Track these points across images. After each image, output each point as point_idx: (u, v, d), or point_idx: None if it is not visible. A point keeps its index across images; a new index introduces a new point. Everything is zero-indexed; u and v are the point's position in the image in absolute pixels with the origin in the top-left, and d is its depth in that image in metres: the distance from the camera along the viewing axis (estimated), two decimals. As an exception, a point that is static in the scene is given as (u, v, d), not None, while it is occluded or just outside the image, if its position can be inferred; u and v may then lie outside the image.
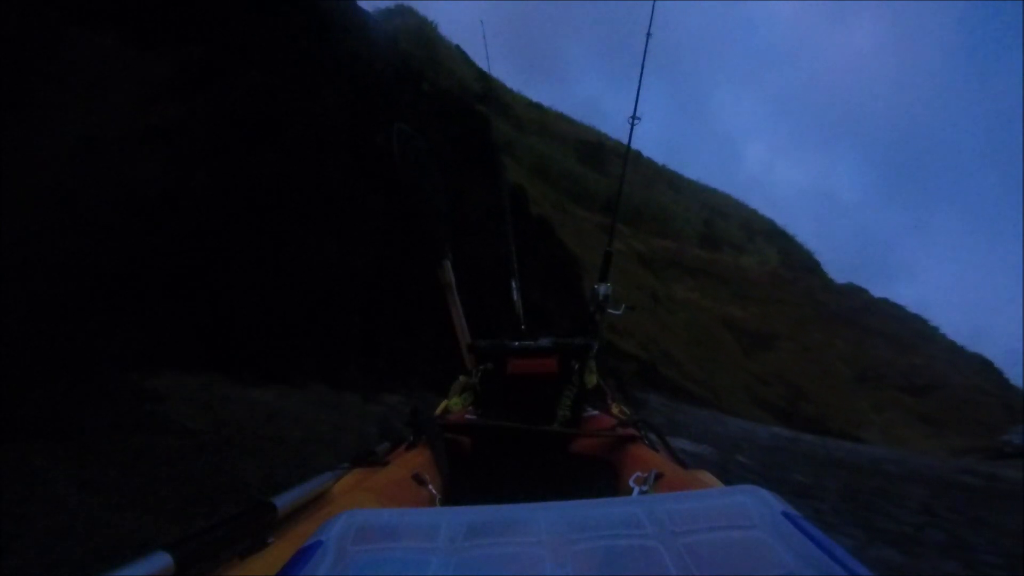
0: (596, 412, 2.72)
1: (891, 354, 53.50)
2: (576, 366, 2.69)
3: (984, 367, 55.99)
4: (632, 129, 3.33)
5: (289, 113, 9.02)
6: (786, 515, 0.79)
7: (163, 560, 0.82)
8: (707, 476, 1.57)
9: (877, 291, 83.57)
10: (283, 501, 1.17)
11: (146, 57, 6.95)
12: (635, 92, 3.31)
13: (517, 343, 2.79)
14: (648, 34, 3.45)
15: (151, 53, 7.01)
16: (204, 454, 4.92)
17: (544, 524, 0.84)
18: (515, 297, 3.65)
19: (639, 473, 1.55)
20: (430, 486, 1.56)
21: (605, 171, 60.69)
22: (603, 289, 2.99)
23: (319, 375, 8.55)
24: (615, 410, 2.87)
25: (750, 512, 0.81)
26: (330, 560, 0.75)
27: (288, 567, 0.75)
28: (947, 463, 19.77)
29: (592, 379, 2.74)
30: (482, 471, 2.15)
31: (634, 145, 3.44)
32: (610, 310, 3.02)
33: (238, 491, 4.33)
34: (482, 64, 59.60)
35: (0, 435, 4.11)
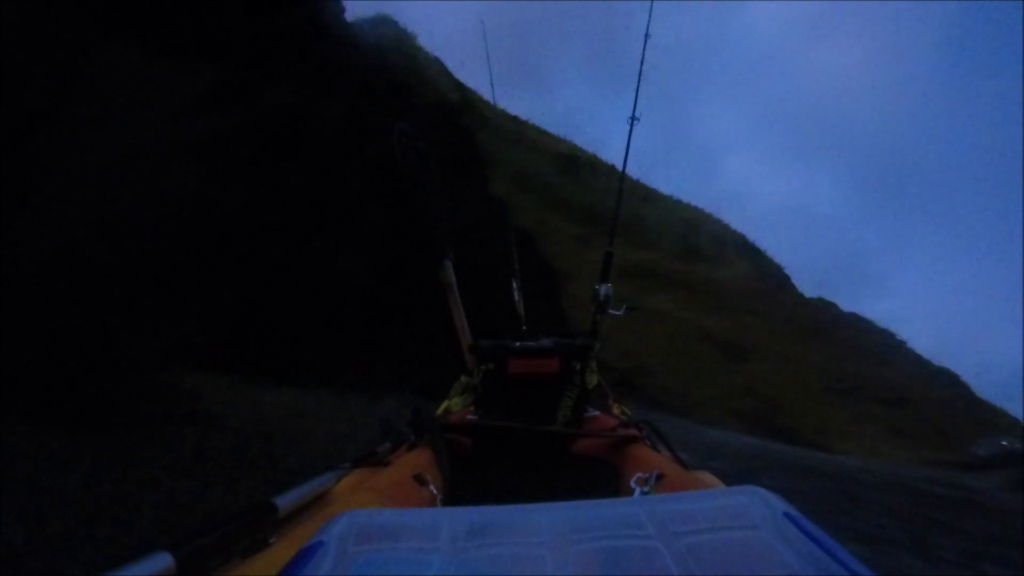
0: (597, 412, 2.78)
1: (862, 367, 53.69)
2: (577, 366, 2.72)
3: (952, 381, 56.39)
4: (631, 129, 3.42)
5: (304, 128, 9.30)
6: (788, 515, 0.80)
7: (164, 560, 0.83)
8: (708, 476, 1.63)
9: (846, 305, 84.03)
10: (284, 501, 1.19)
11: (176, 73, 7.20)
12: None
13: (518, 343, 2.81)
14: (647, 35, 3.54)
15: (180, 70, 7.27)
16: (253, 445, 5.30)
17: (545, 524, 0.85)
18: (516, 297, 3.73)
19: (640, 474, 1.61)
20: (431, 486, 1.60)
21: (582, 182, 60.82)
22: (604, 289, 3.09)
23: (324, 378, 8.84)
24: (616, 410, 2.97)
25: (752, 512, 0.82)
26: (331, 560, 0.77)
27: (289, 567, 0.77)
28: (914, 472, 20.11)
29: (593, 379, 2.80)
30: (483, 471, 2.20)
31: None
32: (611, 311, 3.09)
33: (295, 475, 4.63)
34: (460, 76, 59.80)
35: (71, 424, 4.37)
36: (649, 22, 3.55)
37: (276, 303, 8.45)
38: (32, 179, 5.67)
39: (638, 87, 3.42)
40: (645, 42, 3.49)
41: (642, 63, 3.46)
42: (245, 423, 5.90)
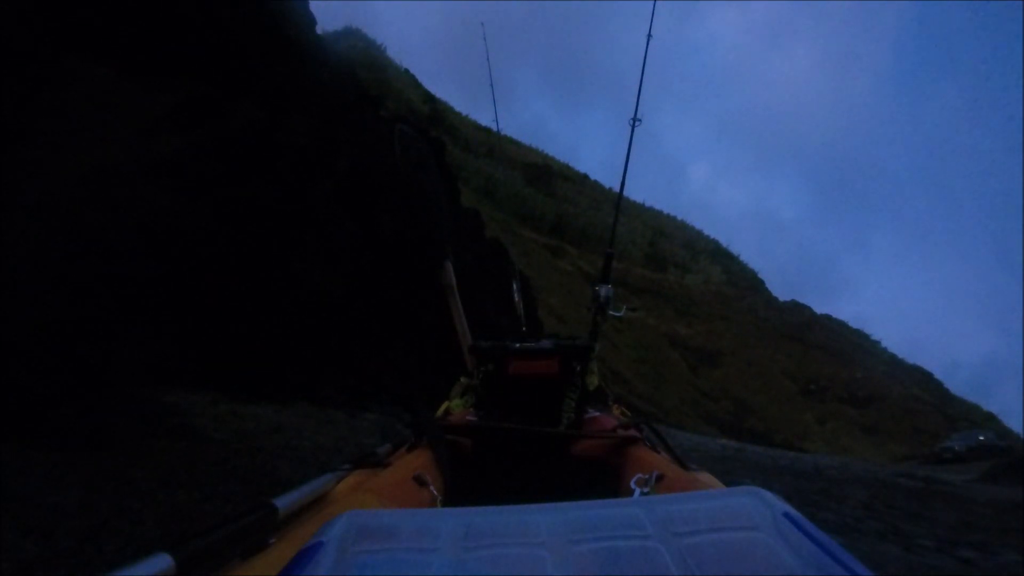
0: (597, 413, 2.74)
1: (833, 368, 54.30)
2: (577, 368, 2.71)
3: (923, 378, 57.03)
4: (633, 131, 3.32)
5: (275, 143, 9.29)
6: (787, 516, 0.80)
7: (164, 562, 0.80)
8: (708, 477, 1.61)
9: (820, 307, 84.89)
10: (284, 502, 1.16)
11: (145, 90, 7.16)
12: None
13: (518, 344, 2.79)
14: (648, 36, 3.47)
15: (150, 87, 7.23)
16: (242, 459, 5.30)
17: (545, 525, 0.85)
18: (516, 299, 3.71)
19: (640, 474, 1.58)
20: (431, 487, 1.58)
21: (552, 193, 61.03)
22: (604, 291, 2.99)
23: (300, 393, 8.82)
24: (616, 411, 2.96)
25: (751, 513, 0.83)
26: (331, 561, 0.76)
27: (289, 568, 0.77)
28: (887, 468, 20.37)
29: (594, 380, 2.78)
30: (483, 472, 2.17)
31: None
32: (611, 312, 3.02)
33: (289, 487, 4.66)
34: (430, 87, 59.83)
35: (59, 443, 4.35)
36: (652, 23, 3.53)
37: (250, 319, 8.40)
38: (0, 197, 5.65)
39: (640, 88, 3.38)
40: (647, 43, 3.46)
41: (644, 65, 3.42)
42: (230, 438, 5.90)
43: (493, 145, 53.28)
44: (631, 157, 3.35)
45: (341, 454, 6.27)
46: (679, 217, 77.30)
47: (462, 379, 3.01)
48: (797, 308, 64.71)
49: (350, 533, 0.83)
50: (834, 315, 67.30)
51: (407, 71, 61.58)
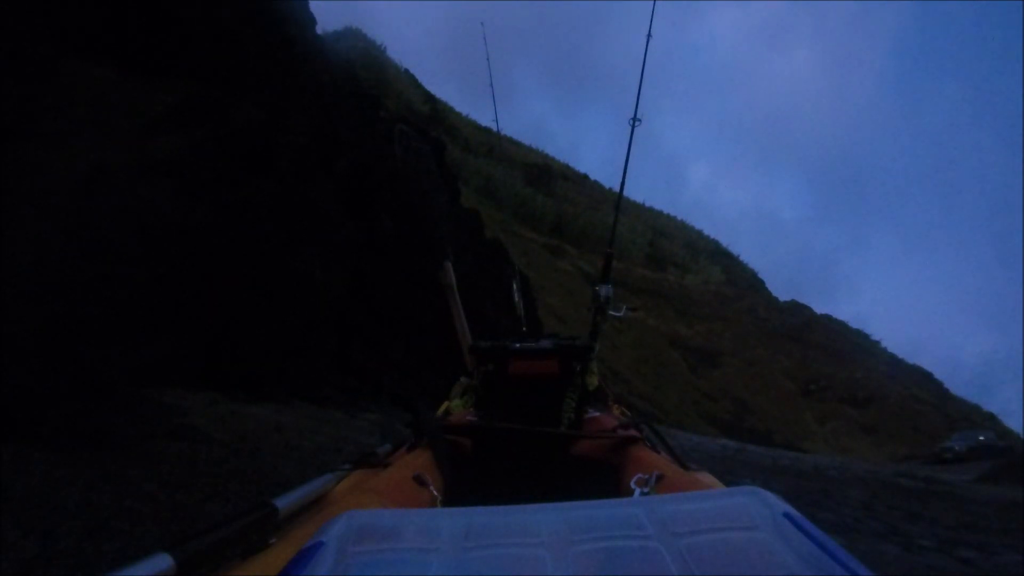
0: (597, 413, 2.72)
1: (833, 368, 54.26)
2: (577, 368, 2.71)
3: (923, 377, 56.98)
4: (632, 131, 3.30)
5: (274, 143, 9.29)
6: (787, 516, 0.80)
7: (164, 561, 0.80)
8: (708, 477, 1.59)
9: (820, 307, 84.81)
10: (284, 502, 1.15)
11: (145, 90, 7.17)
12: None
13: (518, 344, 2.78)
14: (648, 35, 3.47)
15: (150, 87, 7.23)
16: (242, 459, 5.28)
17: (545, 525, 0.85)
18: (516, 299, 3.71)
19: (640, 474, 1.56)
20: (431, 487, 1.56)
21: (552, 193, 61.05)
22: (604, 290, 2.97)
23: (300, 393, 8.82)
24: (616, 411, 2.94)
25: (751, 513, 0.82)
26: (331, 561, 0.77)
27: (289, 567, 0.76)
28: (887, 468, 20.32)
29: (594, 380, 2.77)
30: (483, 472, 2.14)
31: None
32: (611, 312, 3.01)
33: (290, 485, 4.65)
34: (430, 87, 59.82)
35: (59, 443, 4.35)
36: (651, 23, 3.53)
37: (249, 318, 8.39)
38: (0, 197, 5.65)
39: (640, 88, 3.35)
40: (647, 43, 3.45)
41: (644, 65, 3.40)
42: (230, 438, 5.89)
43: (493, 145, 53.27)
44: (631, 157, 3.34)
45: (341, 454, 6.26)
46: (679, 217, 77.44)
47: (462, 379, 3.00)
48: (797, 308, 64.68)
49: (350, 533, 0.83)
50: (834, 315, 67.34)
51: (407, 71, 61.63)
